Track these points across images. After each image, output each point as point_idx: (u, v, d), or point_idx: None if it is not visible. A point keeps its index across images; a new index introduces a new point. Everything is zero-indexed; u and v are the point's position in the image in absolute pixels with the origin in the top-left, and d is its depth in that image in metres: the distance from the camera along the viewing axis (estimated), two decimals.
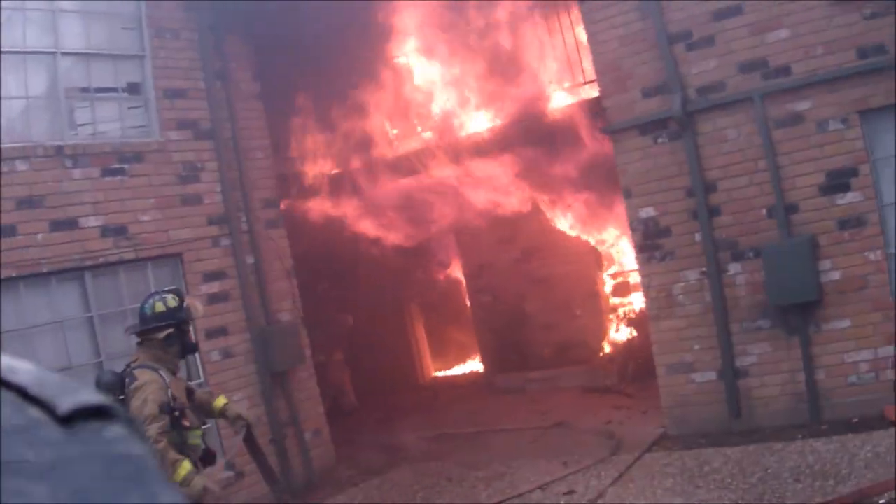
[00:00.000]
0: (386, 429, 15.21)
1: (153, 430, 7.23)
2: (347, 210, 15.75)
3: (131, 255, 11.12)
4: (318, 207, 15.58)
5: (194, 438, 7.68)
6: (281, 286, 12.90)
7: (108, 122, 11.47)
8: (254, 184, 12.77)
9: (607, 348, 16.35)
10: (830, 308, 10.73)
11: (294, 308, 13.06)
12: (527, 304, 17.02)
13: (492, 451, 13.03)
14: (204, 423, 7.96)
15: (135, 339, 7.82)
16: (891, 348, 10.47)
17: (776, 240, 10.87)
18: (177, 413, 7.49)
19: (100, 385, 7.57)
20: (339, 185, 15.90)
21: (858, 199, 10.48)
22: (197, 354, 11.58)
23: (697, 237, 11.42)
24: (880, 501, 8.07)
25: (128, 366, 7.68)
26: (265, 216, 12.92)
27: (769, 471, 9.67)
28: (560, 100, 14.86)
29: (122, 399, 7.38)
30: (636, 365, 15.20)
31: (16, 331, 9.90)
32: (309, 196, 15.63)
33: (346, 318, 17.55)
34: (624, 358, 15.79)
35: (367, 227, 15.89)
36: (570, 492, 10.45)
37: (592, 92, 13.35)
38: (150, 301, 7.73)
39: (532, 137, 14.34)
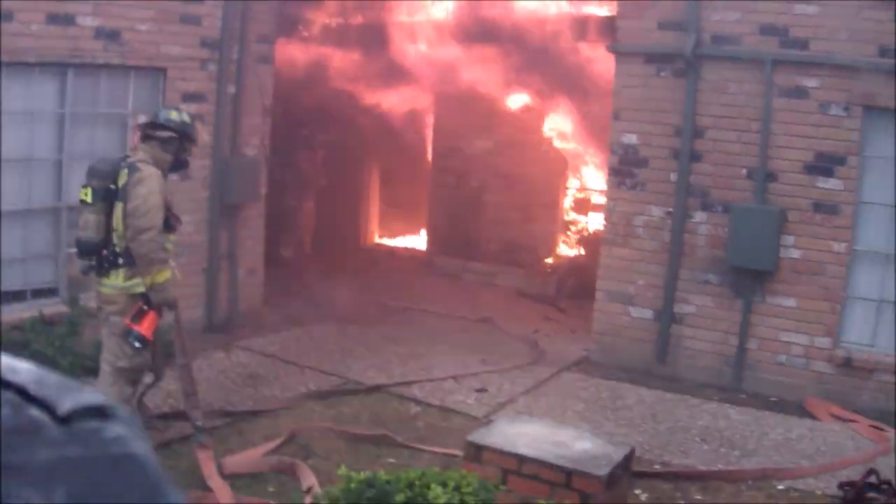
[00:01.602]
0: (321, 284, 15.19)
1: (157, 218, 7.53)
2: (338, 63, 15.53)
3: (118, 61, 10.89)
4: (311, 54, 15.34)
5: (169, 244, 7.92)
6: (254, 122, 12.69)
7: None
8: (255, 16, 12.48)
9: (553, 259, 16.38)
10: (781, 283, 10.79)
11: (261, 146, 12.87)
12: (486, 196, 16.96)
13: (416, 330, 13.09)
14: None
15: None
16: (827, 340, 10.57)
17: (749, 202, 10.85)
18: (167, 214, 7.76)
19: (93, 172, 7.75)
20: (336, 37, 15.67)
21: (839, 187, 10.47)
22: None
23: (673, 176, 11.37)
24: (779, 486, 8.19)
25: (124, 158, 7.86)
26: (257, 50, 12.67)
27: (679, 423, 9.78)
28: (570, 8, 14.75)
29: (114, 188, 7.58)
30: (576, 282, 15.25)
31: None
32: (306, 41, 15.37)
33: (318, 166, 17.31)
34: (566, 272, 15.84)
35: (352, 83, 15.67)
36: (483, 389, 10.51)
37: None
38: (166, 109, 8.27)
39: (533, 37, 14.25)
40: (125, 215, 7.48)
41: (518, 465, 6.84)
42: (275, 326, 12.73)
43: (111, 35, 10.74)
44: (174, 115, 8.02)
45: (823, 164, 10.52)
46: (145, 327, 7.49)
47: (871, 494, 7.83)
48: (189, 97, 11.62)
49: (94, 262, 7.67)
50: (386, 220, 19.71)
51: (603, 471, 6.59)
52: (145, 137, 7.92)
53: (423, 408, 9.91)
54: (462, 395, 10.32)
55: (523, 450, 6.90)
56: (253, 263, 13.15)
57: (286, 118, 14.99)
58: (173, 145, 7.94)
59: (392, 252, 18.84)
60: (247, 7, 12.29)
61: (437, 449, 8.59)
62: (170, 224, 7.82)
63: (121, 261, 7.56)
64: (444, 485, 5.48)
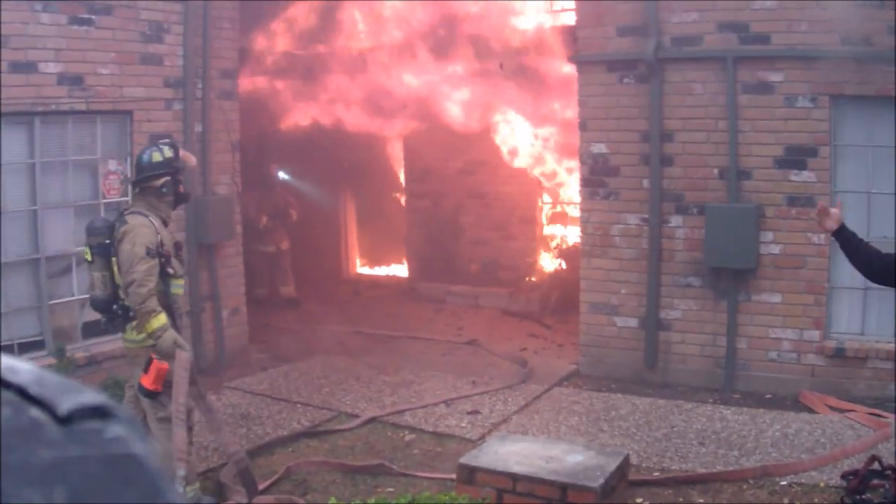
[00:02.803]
0: (305, 318, 15.14)
1: (140, 271, 7.45)
2: (304, 94, 15.52)
3: (83, 107, 10.90)
4: (277, 86, 15.33)
5: (177, 287, 7.94)
6: (224, 159, 12.68)
7: None
8: (216, 53, 12.50)
9: (534, 276, 16.37)
10: (764, 280, 10.80)
11: (232, 183, 12.85)
12: (462, 217, 16.98)
13: (403, 357, 13.05)
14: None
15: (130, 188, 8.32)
16: (816, 333, 10.57)
17: (723, 201, 10.86)
18: (163, 259, 7.69)
19: (90, 230, 7.80)
20: (301, 68, 15.67)
21: (812, 179, 10.49)
22: None
23: (645, 183, 11.38)
24: (782, 482, 8.16)
25: (121, 213, 7.85)
26: (221, 86, 12.67)
27: (675, 428, 9.76)
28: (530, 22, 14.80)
29: (109, 242, 7.63)
30: (560, 297, 15.24)
31: None
32: (270, 74, 15.36)
33: (294, 208, 17.18)
34: (549, 288, 15.82)
35: (321, 113, 15.66)
36: (475, 412, 10.47)
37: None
38: (149, 151, 7.93)
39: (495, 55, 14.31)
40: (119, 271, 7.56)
41: (512, 484, 6.82)
42: (263, 364, 12.69)
43: (74, 80, 10.75)
44: (157, 157, 7.85)
45: (795, 157, 10.54)
46: (149, 379, 7.43)
47: (876, 481, 7.81)
48: (156, 138, 11.51)
49: (107, 320, 7.80)
50: (367, 249, 19.70)
51: (597, 482, 6.58)
52: (138, 188, 7.91)
53: (417, 434, 9.86)
54: (455, 419, 10.27)
55: (516, 468, 6.88)
56: (235, 302, 13.12)
57: (256, 154, 14.99)
58: (169, 186, 7.89)
59: (374, 281, 18.86)
60: (208, 43, 12.30)
61: (433, 474, 8.56)
62: (165, 270, 7.72)
63: (131, 314, 7.59)
64: None
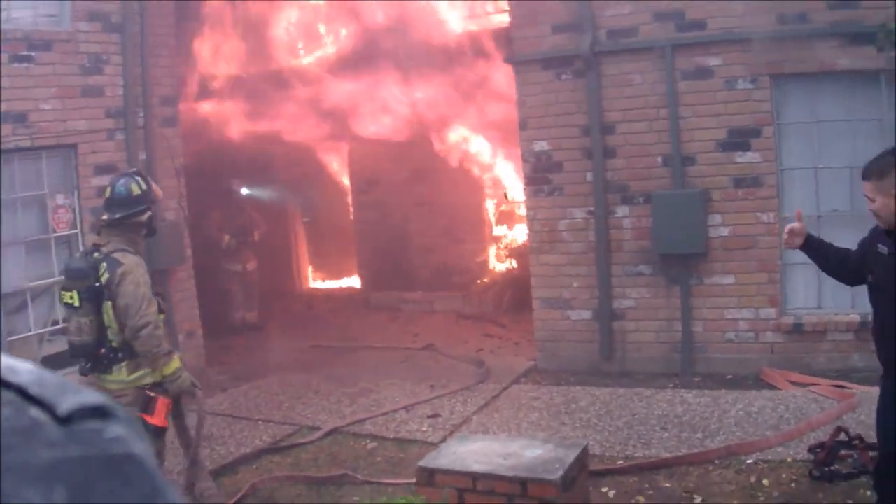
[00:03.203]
0: (260, 336, 15.08)
1: (151, 313, 7.15)
2: (245, 114, 15.45)
3: (27, 143, 10.91)
4: (218, 110, 15.26)
5: (161, 324, 7.57)
6: (169, 184, 12.59)
7: (21, 10, 11.15)
8: (155, 80, 12.52)
9: (486, 277, 16.38)
10: (715, 263, 10.87)
11: (179, 208, 12.84)
12: (411, 225, 16.99)
13: (361, 367, 13.02)
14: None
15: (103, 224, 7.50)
16: (772, 310, 10.64)
17: (668, 189, 10.91)
18: (158, 298, 7.49)
19: (72, 274, 7.31)
20: (239, 90, 15.61)
21: (757, 159, 10.58)
22: (81, 247, 11.34)
23: (589, 176, 11.42)
24: (748, 460, 8.20)
25: (96, 250, 7.34)
26: (162, 114, 12.70)
27: (636, 416, 9.79)
28: (459, 25, 14.87)
29: (99, 286, 7.14)
30: (513, 296, 15.27)
31: None
32: (209, 97, 15.29)
33: (258, 227, 17.01)
34: (501, 288, 15.86)
35: (263, 133, 15.59)
36: (435, 415, 10.46)
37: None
38: (125, 182, 7.44)
39: (429, 60, 14.32)
40: (117, 314, 7.13)
41: (472, 483, 6.79)
42: (221, 384, 12.63)
43: (17, 118, 10.74)
44: (136, 190, 7.40)
45: (738, 139, 10.62)
46: (158, 417, 7.19)
47: (844, 452, 7.87)
48: (101, 169, 11.60)
49: (90, 363, 7.30)
50: (318, 262, 19.66)
51: (556, 474, 6.55)
52: (114, 222, 7.37)
53: (379, 442, 9.83)
54: (416, 424, 10.25)
55: (475, 466, 6.86)
56: (191, 326, 13.10)
57: (200, 178, 14.90)
58: (149, 218, 7.54)
59: (328, 294, 18.84)
60: (146, 72, 12.29)
61: (397, 480, 8.52)
62: (160, 308, 7.47)
63: (121, 355, 7.19)
64: None
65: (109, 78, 11.90)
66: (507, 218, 17.02)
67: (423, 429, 10.08)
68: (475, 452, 7.17)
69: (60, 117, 11.26)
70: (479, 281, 16.34)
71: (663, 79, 10.84)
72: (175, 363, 7.23)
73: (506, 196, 16.86)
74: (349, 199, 18.42)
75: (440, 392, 11.33)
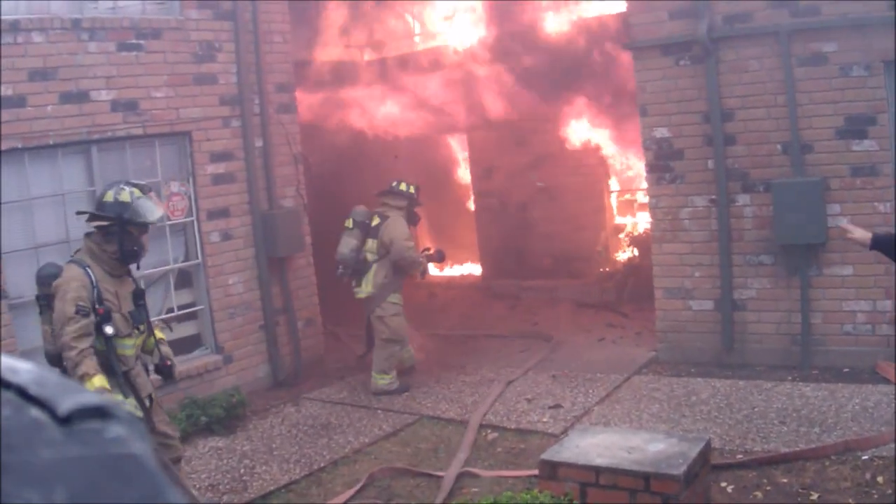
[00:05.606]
0: None
1: (68, 332, 6.74)
2: (366, 101, 15.61)
3: (139, 131, 11.02)
4: (337, 96, 15.43)
5: (123, 349, 7.11)
6: (287, 171, 12.78)
7: None
8: (269, 67, 12.58)
9: (608, 265, 16.32)
10: (834, 253, 10.67)
11: (297, 195, 12.97)
12: (531, 212, 16.96)
13: (481, 356, 13.12)
14: (140, 332, 7.30)
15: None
16: (889, 303, 10.45)
17: (788, 177, 10.77)
18: (98, 318, 6.90)
19: (38, 278, 7.21)
20: (359, 76, 15.79)
21: (874, 147, 10.34)
22: (197, 234, 11.57)
23: (710, 164, 11.32)
24: (864, 456, 8.10)
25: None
26: (278, 100, 12.77)
27: (756, 409, 9.70)
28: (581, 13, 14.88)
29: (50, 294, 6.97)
30: (634, 285, 15.19)
31: (17, 202, 9.87)
32: (327, 85, 15.46)
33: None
34: (623, 276, 15.77)
35: (384, 119, 15.72)
36: (557, 406, 10.50)
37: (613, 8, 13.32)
38: (109, 186, 7.18)
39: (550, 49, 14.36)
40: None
41: (595, 477, 6.83)
42: (339, 373, 12.83)
43: (128, 106, 10.87)
44: (109, 198, 7.01)
45: (855, 127, 10.39)
46: None
47: None
48: (217, 157, 11.79)
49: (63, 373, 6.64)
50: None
51: (680, 469, 6.57)
52: (89, 231, 7.19)
53: (500, 432, 9.89)
54: (537, 415, 10.31)
55: (598, 460, 6.89)
56: (310, 313, 13.19)
57: (321, 167, 15.12)
58: (114, 234, 7.03)
59: (449, 282, 18.87)
60: (261, 59, 12.40)
61: (518, 473, 8.57)
62: (102, 329, 6.92)
63: None
64: None
65: (222, 65, 11.99)
66: (628, 206, 16.93)
67: (545, 419, 10.13)
68: (597, 445, 7.20)
69: (173, 105, 11.36)
70: (600, 269, 16.27)
71: (780, 65, 10.67)
72: (91, 387, 6.45)
73: (628, 183, 16.77)
74: (470, 186, 18.45)
75: (562, 383, 11.38)
